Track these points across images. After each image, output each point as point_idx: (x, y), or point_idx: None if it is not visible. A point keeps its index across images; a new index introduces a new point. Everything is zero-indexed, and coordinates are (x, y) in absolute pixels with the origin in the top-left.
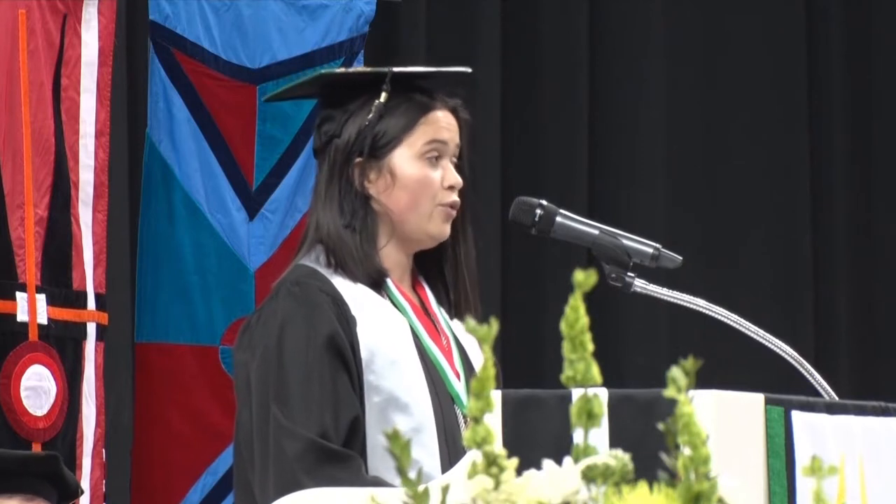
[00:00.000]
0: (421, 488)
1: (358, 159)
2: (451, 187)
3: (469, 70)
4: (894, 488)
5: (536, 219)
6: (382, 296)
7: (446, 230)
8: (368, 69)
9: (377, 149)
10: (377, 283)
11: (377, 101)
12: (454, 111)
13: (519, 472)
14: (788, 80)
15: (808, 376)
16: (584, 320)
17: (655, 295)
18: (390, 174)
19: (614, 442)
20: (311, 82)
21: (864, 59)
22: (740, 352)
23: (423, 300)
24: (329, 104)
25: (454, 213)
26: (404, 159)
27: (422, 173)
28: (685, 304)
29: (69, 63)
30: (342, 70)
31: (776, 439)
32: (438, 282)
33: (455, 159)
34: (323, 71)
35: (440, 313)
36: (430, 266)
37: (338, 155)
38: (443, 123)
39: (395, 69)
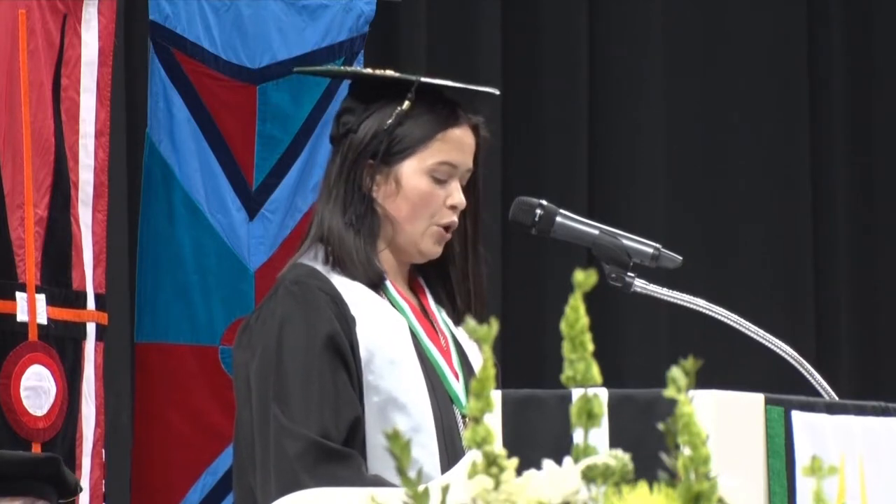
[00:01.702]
0: (421, 488)
1: (369, 161)
2: (452, 207)
3: (497, 92)
4: (894, 488)
5: (536, 219)
6: (381, 296)
7: (437, 250)
8: (397, 74)
9: (389, 155)
10: (375, 284)
11: (399, 108)
12: (475, 128)
13: (519, 472)
14: (789, 81)
15: (808, 376)
16: (584, 320)
17: (655, 295)
18: (396, 182)
19: (614, 442)
20: (340, 75)
21: (865, 59)
22: (740, 352)
23: (421, 301)
24: (354, 95)
25: (448, 235)
26: (413, 171)
27: (427, 189)
28: (685, 304)
29: (69, 63)
30: (371, 71)
31: (776, 439)
32: (438, 284)
33: (467, 175)
34: (354, 69)
35: (439, 314)
36: (429, 268)
37: (350, 152)
38: (458, 144)
39: (423, 79)
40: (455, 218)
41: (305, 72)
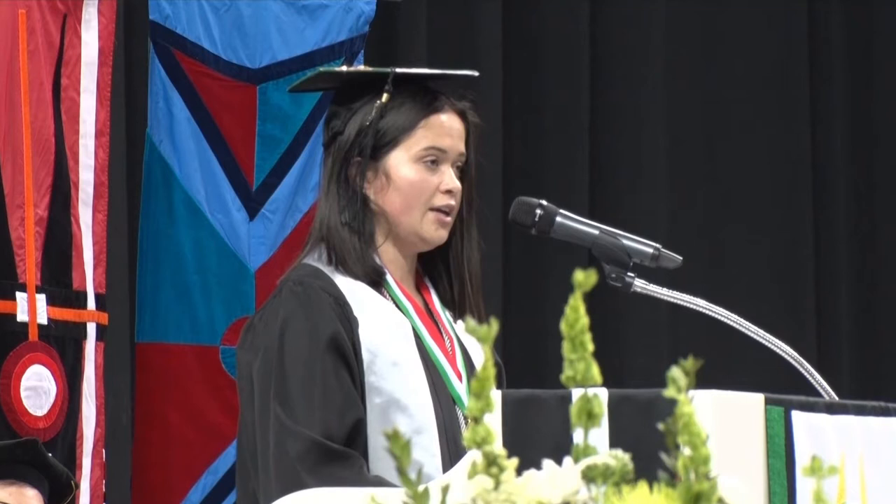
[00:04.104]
0: (421, 488)
1: (357, 159)
2: (448, 192)
3: (475, 73)
4: (894, 488)
5: (536, 219)
6: (385, 296)
7: (440, 234)
8: (370, 69)
9: (375, 149)
10: (376, 282)
11: (378, 102)
12: (462, 114)
13: (519, 472)
14: (790, 80)
15: (808, 376)
16: (584, 320)
17: (655, 295)
18: (385, 176)
19: (614, 442)
20: (311, 81)
21: (865, 59)
22: (740, 352)
23: (426, 301)
24: (338, 100)
25: (449, 218)
26: (400, 162)
27: (417, 177)
28: (685, 304)
29: (69, 63)
30: (343, 69)
31: (776, 439)
32: (439, 276)
33: (459, 164)
34: (322, 69)
35: (444, 314)
36: (435, 266)
37: (339, 153)
38: (444, 129)
39: (398, 70)
40: (453, 202)
41: (295, 90)
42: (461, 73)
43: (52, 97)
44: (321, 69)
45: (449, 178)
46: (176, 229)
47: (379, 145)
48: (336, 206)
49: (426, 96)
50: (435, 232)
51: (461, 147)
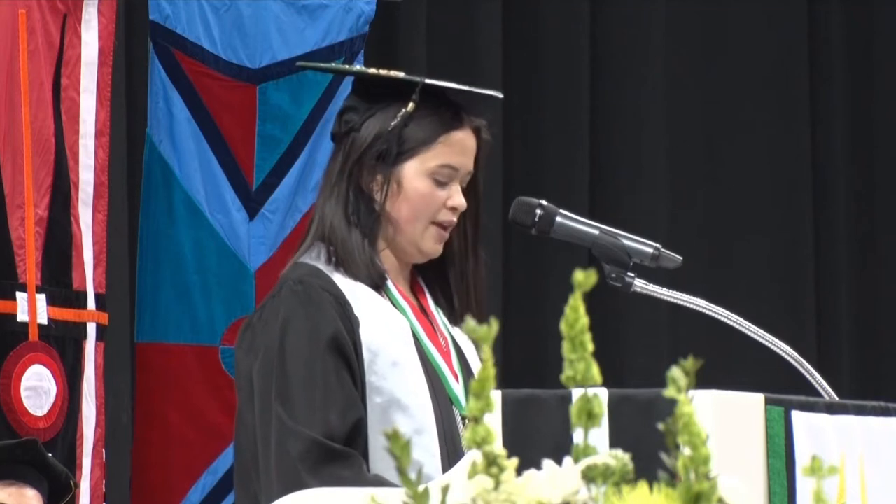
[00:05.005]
0: (421, 488)
1: (371, 161)
2: (453, 209)
3: (500, 95)
4: (894, 488)
5: (536, 219)
6: (382, 296)
7: (437, 249)
8: (402, 76)
9: (392, 156)
10: (377, 284)
11: (404, 110)
12: (476, 131)
13: (519, 472)
14: (790, 80)
15: (808, 376)
16: (584, 320)
17: (655, 295)
18: (397, 183)
19: (614, 442)
20: (345, 73)
21: (865, 59)
22: (740, 352)
23: (421, 301)
24: (358, 92)
25: (446, 233)
26: (414, 173)
27: (428, 190)
28: (685, 304)
29: (69, 63)
30: (375, 71)
31: (776, 439)
32: (437, 285)
33: (468, 178)
34: (358, 68)
35: (439, 315)
36: (429, 269)
37: (353, 152)
38: (460, 146)
39: (427, 80)
40: (454, 218)
41: (310, 67)
42: (487, 93)
43: (52, 97)
44: (355, 68)
45: (457, 195)
46: (176, 229)
47: (396, 153)
48: (342, 205)
49: (447, 110)
50: (433, 245)
51: (471, 165)
